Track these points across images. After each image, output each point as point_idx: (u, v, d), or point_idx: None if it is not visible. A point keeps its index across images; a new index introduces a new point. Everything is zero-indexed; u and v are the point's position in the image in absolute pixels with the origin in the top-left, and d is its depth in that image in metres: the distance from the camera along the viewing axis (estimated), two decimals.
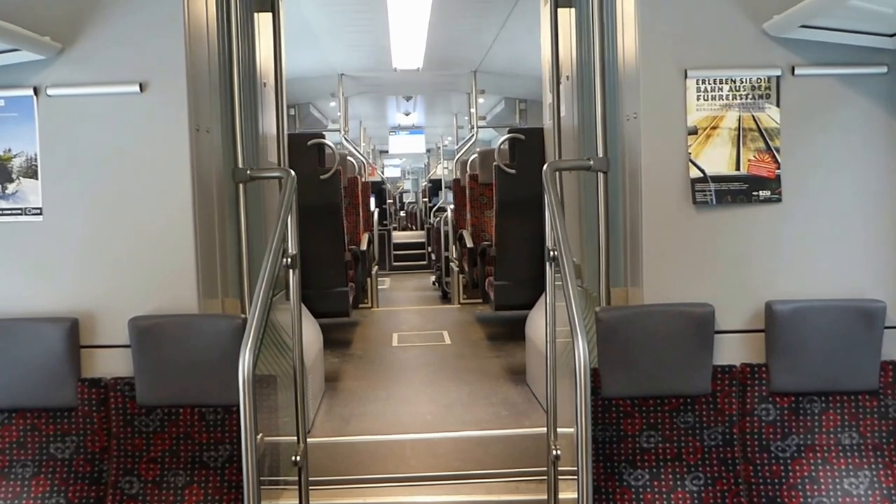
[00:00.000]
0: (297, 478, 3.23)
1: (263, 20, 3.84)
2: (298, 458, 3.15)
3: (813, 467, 2.88)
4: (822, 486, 2.86)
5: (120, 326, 2.97)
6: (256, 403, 2.57)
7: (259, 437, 2.62)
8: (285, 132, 4.01)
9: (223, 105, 3.41)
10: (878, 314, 2.90)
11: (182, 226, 3.03)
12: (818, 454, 2.89)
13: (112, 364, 3.03)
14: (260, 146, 3.91)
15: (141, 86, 2.98)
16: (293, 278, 3.21)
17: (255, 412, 2.54)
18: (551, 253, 3.01)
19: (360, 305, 7.59)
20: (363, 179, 9.15)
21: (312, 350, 4.60)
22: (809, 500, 2.84)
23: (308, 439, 3.37)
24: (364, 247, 7.24)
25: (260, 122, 3.91)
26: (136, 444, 2.97)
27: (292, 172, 3.25)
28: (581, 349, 2.44)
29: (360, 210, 8.03)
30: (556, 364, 3.22)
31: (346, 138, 10.35)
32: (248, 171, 3.36)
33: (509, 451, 3.94)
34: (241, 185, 3.38)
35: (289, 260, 3.14)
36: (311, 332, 4.72)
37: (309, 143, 5.78)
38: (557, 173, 3.72)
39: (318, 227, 5.59)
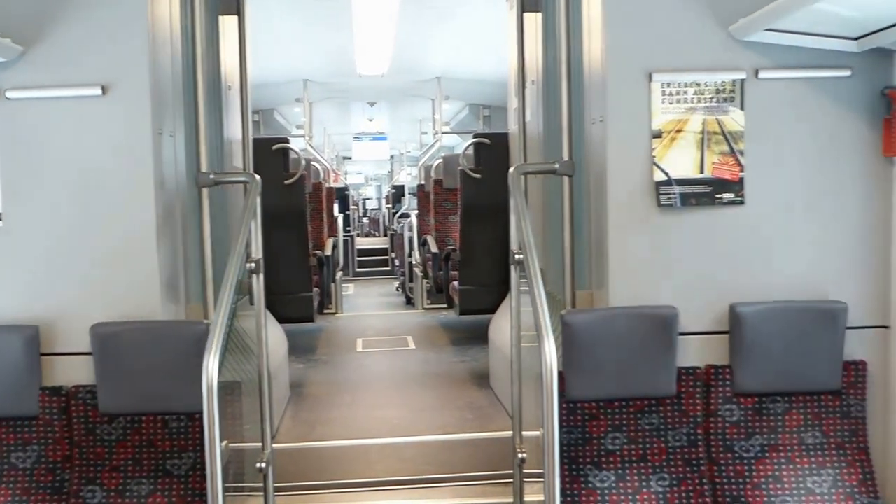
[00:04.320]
0: (262, 484, 3.20)
1: (228, 23, 3.81)
2: (263, 464, 3.11)
3: (776, 466, 2.91)
4: (786, 485, 2.89)
5: (81, 334, 2.92)
6: (220, 410, 2.54)
7: (224, 444, 2.58)
8: (250, 137, 3.98)
9: (187, 109, 3.37)
10: (840, 315, 2.94)
11: (144, 231, 2.99)
12: (782, 453, 2.92)
13: (73, 372, 2.97)
14: (224, 151, 3.87)
15: (103, 88, 2.94)
16: (257, 283, 3.18)
17: (219, 419, 2.50)
18: (516, 256, 3.01)
19: (325, 311, 7.56)
20: (327, 185, 9.12)
21: (277, 355, 4.56)
22: (773, 499, 2.87)
23: (273, 445, 3.34)
24: (328, 252, 7.21)
25: (224, 127, 3.87)
26: (99, 453, 2.92)
27: (257, 177, 3.22)
28: (548, 352, 2.44)
29: (325, 215, 8.00)
30: (521, 368, 3.22)
31: (310, 144, 10.30)
32: (212, 176, 3.32)
33: (475, 454, 3.94)
34: (204, 190, 3.34)
35: (253, 265, 3.10)
36: (275, 337, 4.68)
37: (274, 147, 5.74)
38: (523, 177, 3.73)
39: (282, 232, 5.56)
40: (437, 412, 4.65)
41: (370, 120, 14.29)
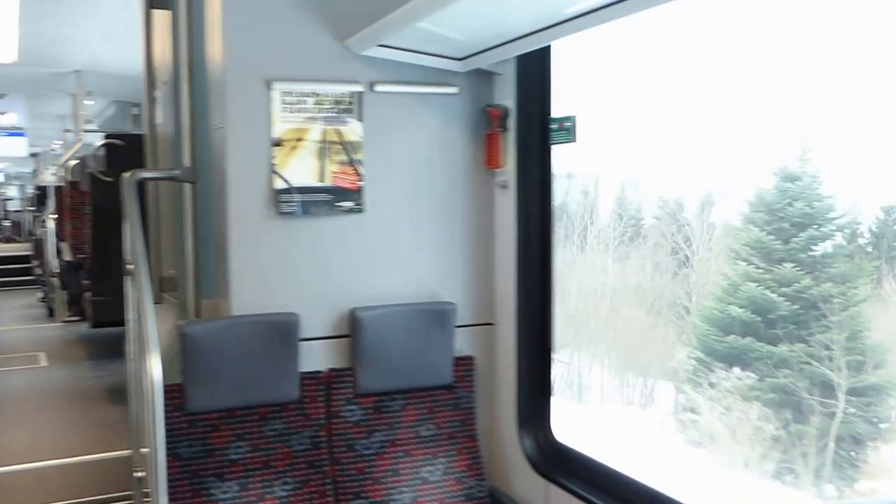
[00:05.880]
0: None
1: None
2: None
3: (394, 460, 3.06)
4: (403, 477, 3.05)
5: None
6: None
7: None
8: None
9: None
10: (451, 314, 3.16)
11: None
12: (399, 448, 3.08)
13: None
14: None
15: None
16: None
17: None
18: (128, 267, 2.87)
19: None
20: None
21: None
22: (391, 491, 3.02)
23: None
24: None
25: None
26: None
27: None
28: (152, 366, 2.35)
29: None
30: (140, 382, 3.09)
31: None
32: None
33: (100, 476, 3.72)
34: None
35: None
36: None
37: None
38: (148, 183, 3.59)
39: None
40: (65, 434, 4.33)
41: (2, 113, 12.96)
